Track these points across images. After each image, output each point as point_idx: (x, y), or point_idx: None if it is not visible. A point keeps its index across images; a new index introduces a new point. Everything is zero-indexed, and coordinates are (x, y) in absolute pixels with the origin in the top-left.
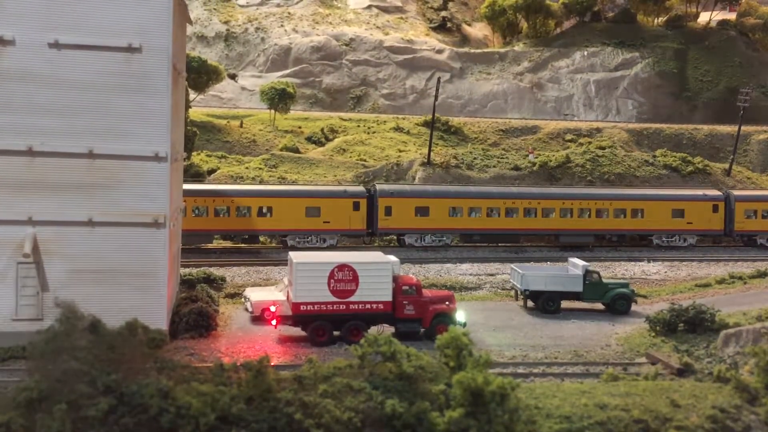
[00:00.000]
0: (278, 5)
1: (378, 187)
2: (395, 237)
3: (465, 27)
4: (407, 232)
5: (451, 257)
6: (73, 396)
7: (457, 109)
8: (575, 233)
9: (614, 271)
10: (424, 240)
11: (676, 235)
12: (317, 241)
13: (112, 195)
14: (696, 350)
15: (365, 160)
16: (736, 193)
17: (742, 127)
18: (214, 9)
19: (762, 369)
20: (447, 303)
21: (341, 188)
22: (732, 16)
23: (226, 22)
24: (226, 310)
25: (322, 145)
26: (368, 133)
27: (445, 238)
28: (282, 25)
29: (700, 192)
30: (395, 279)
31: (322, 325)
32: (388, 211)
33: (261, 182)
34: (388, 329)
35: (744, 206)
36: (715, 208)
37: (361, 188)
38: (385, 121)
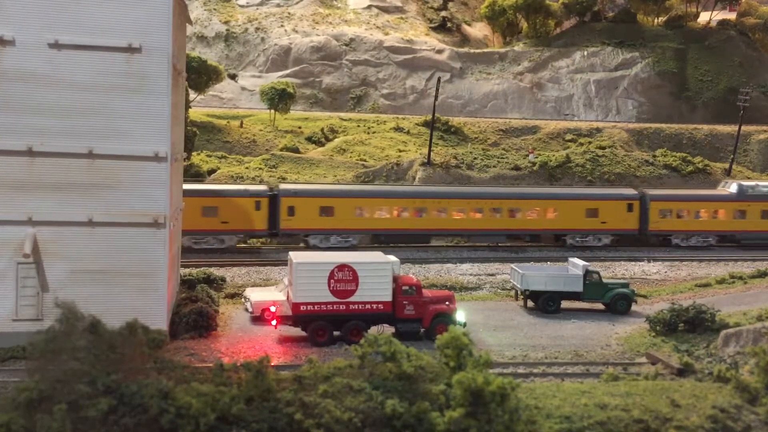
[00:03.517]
0: (278, 5)
1: (281, 186)
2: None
3: (465, 27)
4: (311, 233)
5: (451, 257)
6: (73, 396)
7: (457, 109)
8: (487, 233)
9: (614, 271)
10: (329, 240)
11: (590, 235)
12: (215, 242)
13: (112, 195)
14: (696, 350)
15: (365, 160)
16: (651, 192)
17: (742, 127)
18: (214, 9)
19: (762, 369)
20: (447, 303)
21: (242, 187)
22: (732, 15)
23: (226, 22)
24: (226, 310)
25: (322, 145)
26: (368, 133)
27: (351, 239)
28: (282, 25)
29: (614, 191)
30: (395, 279)
31: (322, 325)
32: (291, 211)
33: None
34: (388, 329)
35: (659, 205)
36: (630, 207)
37: (263, 187)
38: (385, 121)
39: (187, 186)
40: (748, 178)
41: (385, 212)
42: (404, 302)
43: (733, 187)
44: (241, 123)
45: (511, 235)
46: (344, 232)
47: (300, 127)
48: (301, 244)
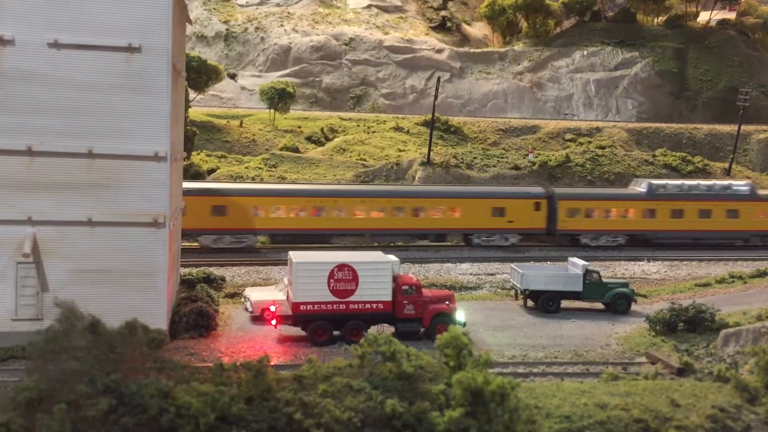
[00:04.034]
0: (278, 5)
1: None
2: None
3: (465, 26)
4: (203, 233)
5: (451, 257)
6: (72, 396)
7: (457, 109)
8: (389, 233)
9: (614, 270)
10: (223, 241)
11: (496, 234)
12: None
13: (111, 195)
14: (696, 350)
15: (365, 160)
16: (558, 190)
17: (742, 127)
18: (214, 9)
19: (762, 368)
20: (447, 303)
21: None
22: (732, 15)
23: (225, 22)
24: (226, 309)
25: (322, 144)
26: (368, 133)
27: (246, 240)
28: (282, 25)
29: (521, 189)
30: (395, 279)
31: (321, 325)
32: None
33: None
34: (388, 329)
35: (567, 204)
36: (537, 206)
37: None
38: (384, 121)
39: None
40: (748, 178)
41: (282, 212)
42: (404, 302)
43: (643, 186)
44: (241, 122)
45: (415, 234)
46: (239, 232)
47: (300, 127)
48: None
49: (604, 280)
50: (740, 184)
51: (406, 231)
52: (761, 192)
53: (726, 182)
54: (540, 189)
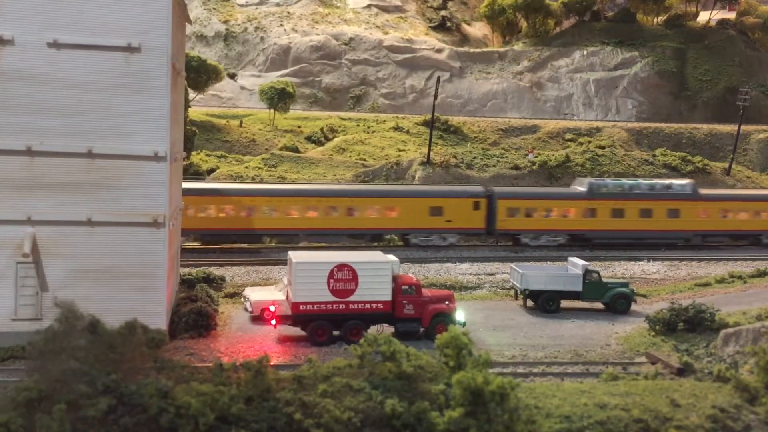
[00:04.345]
0: (277, 5)
1: None
2: None
3: (464, 26)
4: None
5: (451, 257)
6: (72, 396)
7: (457, 109)
8: (324, 232)
9: (614, 270)
10: None
11: (434, 234)
12: None
13: (111, 195)
14: (696, 350)
15: (365, 160)
16: (498, 189)
17: (742, 127)
18: (214, 8)
19: (762, 368)
20: (447, 302)
21: None
22: (732, 15)
23: (225, 22)
24: (226, 309)
25: (322, 144)
26: (368, 133)
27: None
28: (281, 25)
29: (460, 188)
30: (395, 278)
31: (321, 325)
32: None
33: None
34: (388, 329)
35: (507, 204)
36: (476, 206)
37: None
38: (384, 121)
39: None
40: (748, 177)
41: (212, 211)
42: (404, 302)
43: (584, 185)
44: (241, 122)
45: (350, 234)
46: None
47: (299, 127)
48: None
49: (604, 280)
50: (682, 183)
51: (341, 231)
52: (703, 191)
53: (668, 181)
54: (479, 188)
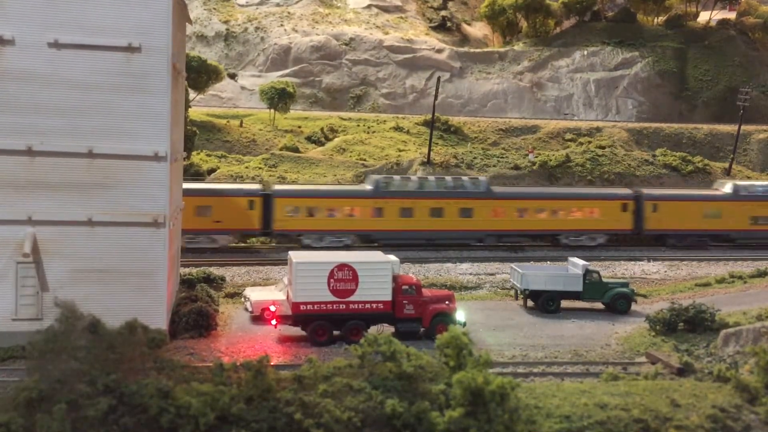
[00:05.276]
0: (278, 5)
1: None
2: None
3: (465, 26)
4: None
5: (451, 257)
6: (72, 396)
7: (457, 109)
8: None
9: (614, 270)
10: None
11: (202, 236)
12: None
13: (111, 195)
14: (696, 350)
15: (365, 160)
16: (278, 188)
17: (742, 127)
18: (214, 8)
19: (762, 368)
20: (447, 302)
21: None
22: (732, 15)
23: (225, 22)
24: (226, 309)
25: (322, 144)
26: (368, 133)
27: None
28: (282, 25)
29: (236, 187)
30: (395, 278)
31: (321, 325)
32: None
33: None
34: (388, 329)
35: (285, 203)
36: (251, 205)
37: None
38: (384, 121)
39: None
40: (748, 178)
41: None
42: (404, 302)
43: (370, 183)
44: (241, 122)
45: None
46: None
47: (300, 127)
48: None
49: (604, 280)
50: (476, 180)
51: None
52: (498, 189)
53: (464, 178)
54: (256, 186)
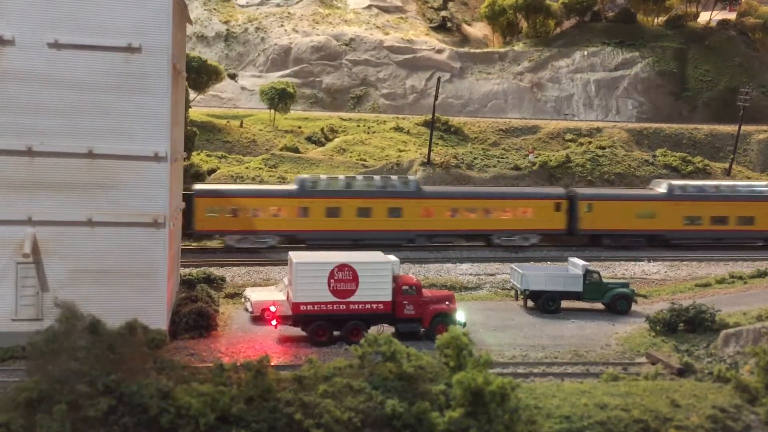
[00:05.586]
0: (278, 5)
1: None
2: None
3: (465, 27)
4: None
5: (451, 257)
6: (72, 396)
7: (457, 109)
8: None
9: (614, 270)
10: None
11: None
12: None
13: (111, 195)
14: (696, 350)
15: (365, 160)
16: (199, 187)
17: (742, 127)
18: (214, 9)
19: (762, 369)
20: (447, 303)
21: None
22: (732, 15)
23: (226, 22)
24: (226, 310)
25: (322, 145)
26: (368, 133)
27: None
28: (282, 25)
29: None
30: (395, 279)
31: (322, 325)
32: None
33: None
34: (388, 329)
35: (207, 202)
36: None
37: None
38: (385, 121)
39: None
40: (748, 178)
41: None
42: (404, 302)
43: (296, 182)
44: (241, 123)
45: None
46: None
47: (300, 127)
48: None
49: (605, 280)
50: (405, 180)
51: None
52: (428, 189)
53: (393, 177)
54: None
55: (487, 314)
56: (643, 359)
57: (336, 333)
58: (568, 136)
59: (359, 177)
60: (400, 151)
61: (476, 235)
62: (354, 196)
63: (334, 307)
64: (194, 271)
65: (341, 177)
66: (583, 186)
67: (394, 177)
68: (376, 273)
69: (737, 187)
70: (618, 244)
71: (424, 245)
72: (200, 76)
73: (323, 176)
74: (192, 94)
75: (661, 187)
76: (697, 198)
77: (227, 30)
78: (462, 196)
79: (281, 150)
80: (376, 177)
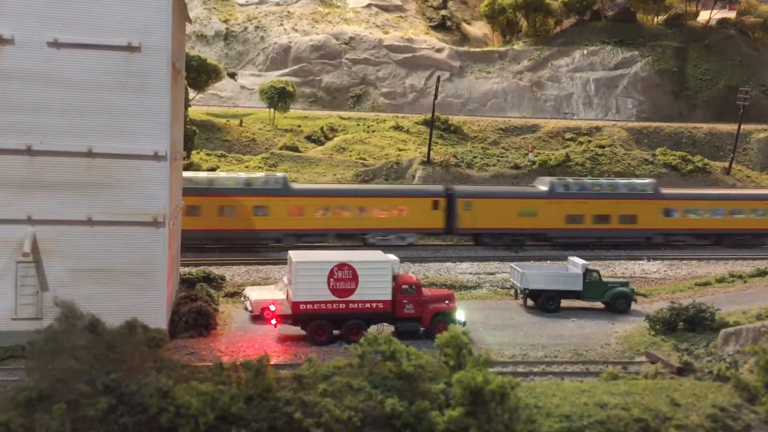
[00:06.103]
0: (278, 4)
1: None
2: None
3: (464, 26)
4: None
5: (451, 256)
6: (72, 395)
7: (457, 108)
8: None
9: (614, 269)
10: None
11: None
12: None
13: (111, 194)
14: (696, 349)
15: (365, 159)
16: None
17: (742, 126)
18: (214, 8)
19: (762, 368)
20: (447, 302)
21: None
22: (732, 14)
23: (225, 21)
24: (226, 309)
25: (322, 143)
26: (368, 132)
27: None
28: (281, 24)
29: None
30: (395, 278)
31: (321, 324)
32: None
33: None
34: (388, 328)
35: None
36: None
37: None
38: (384, 120)
39: None
40: (748, 177)
41: None
42: (404, 301)
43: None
44: (241, 122)
45: None
46: None
47: (299, 126)
48: None
49: (604, 279)
50: (271, 176)
51: None
52: (296, 186)
53: (259, 174)
54: None
55: (486, 313)
56: (643, 358)
57: (336, 332)
58: (568, 135)
59: (223, 174)
60: (400, 150)
61: (349, 235)
62: (216, 194)
63: (334, 306)
64: (194, 270)
65: (203, 174)
66: (473, 185)
67: (260, 174)
68: (376, 272)
69: (619, 184)
70: (498, 243)
71: (428, 244)
72: (200, 75)
73: (186, 174)
74: (191, 93)
75: (544, 185)
76: (578, 196)
77: (227, 29)
78: (334, 193)
79: (281, 149)
80: (242, 174)
